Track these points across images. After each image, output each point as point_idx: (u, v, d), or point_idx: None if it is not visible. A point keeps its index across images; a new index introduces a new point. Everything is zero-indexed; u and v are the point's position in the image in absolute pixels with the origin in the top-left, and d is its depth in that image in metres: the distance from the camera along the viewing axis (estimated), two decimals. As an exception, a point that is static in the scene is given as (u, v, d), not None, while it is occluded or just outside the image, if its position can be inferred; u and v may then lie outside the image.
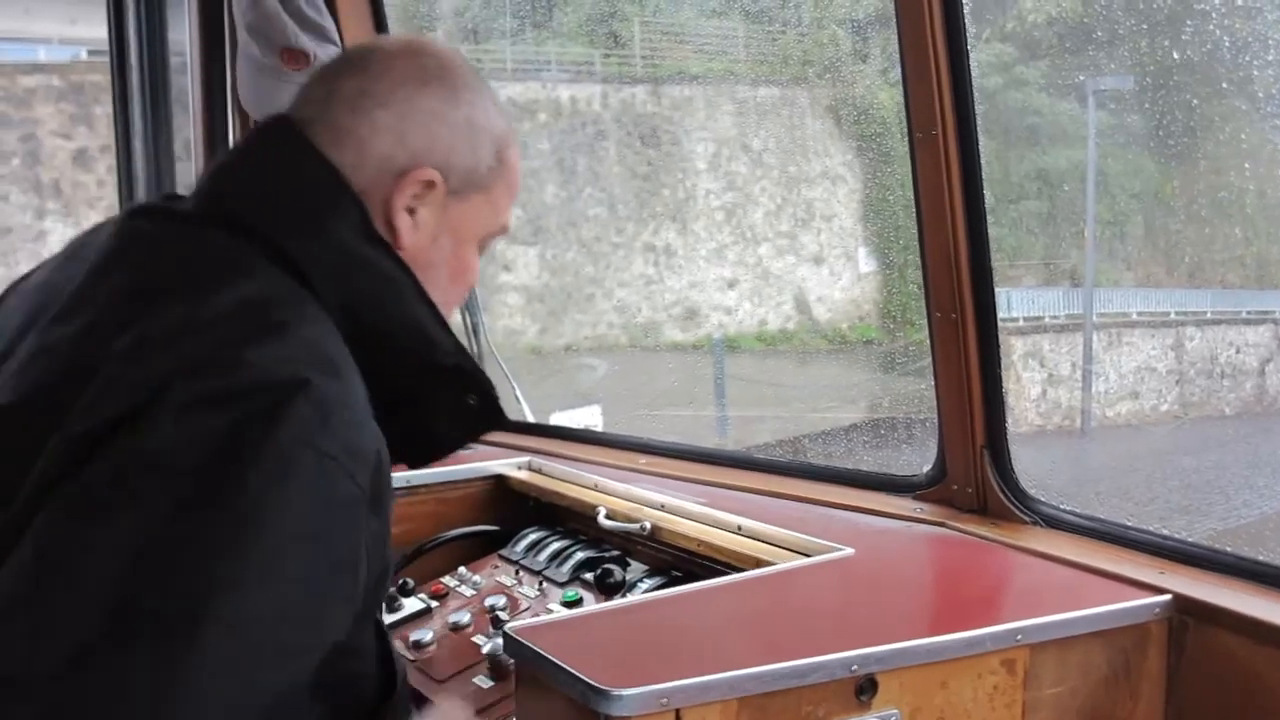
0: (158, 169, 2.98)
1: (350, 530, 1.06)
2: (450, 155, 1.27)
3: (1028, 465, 1.81)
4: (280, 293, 1.14)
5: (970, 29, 1.73)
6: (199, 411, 1.01)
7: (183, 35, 2.90)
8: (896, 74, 1.84)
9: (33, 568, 0.98)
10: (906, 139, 1.79)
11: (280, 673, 1.01)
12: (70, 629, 0.94)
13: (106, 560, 0.96)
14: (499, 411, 1.32)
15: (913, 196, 1.81)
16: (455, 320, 2.86)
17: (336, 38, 2.57)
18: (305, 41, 2.50)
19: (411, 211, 1.26)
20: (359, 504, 1.06)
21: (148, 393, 1.03)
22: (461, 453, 2.48)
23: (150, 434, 1.01)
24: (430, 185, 1.26)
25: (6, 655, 0.94)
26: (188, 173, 2.69)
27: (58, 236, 12.65)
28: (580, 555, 1.99)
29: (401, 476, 2.28)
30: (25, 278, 1.36)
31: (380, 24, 2.72)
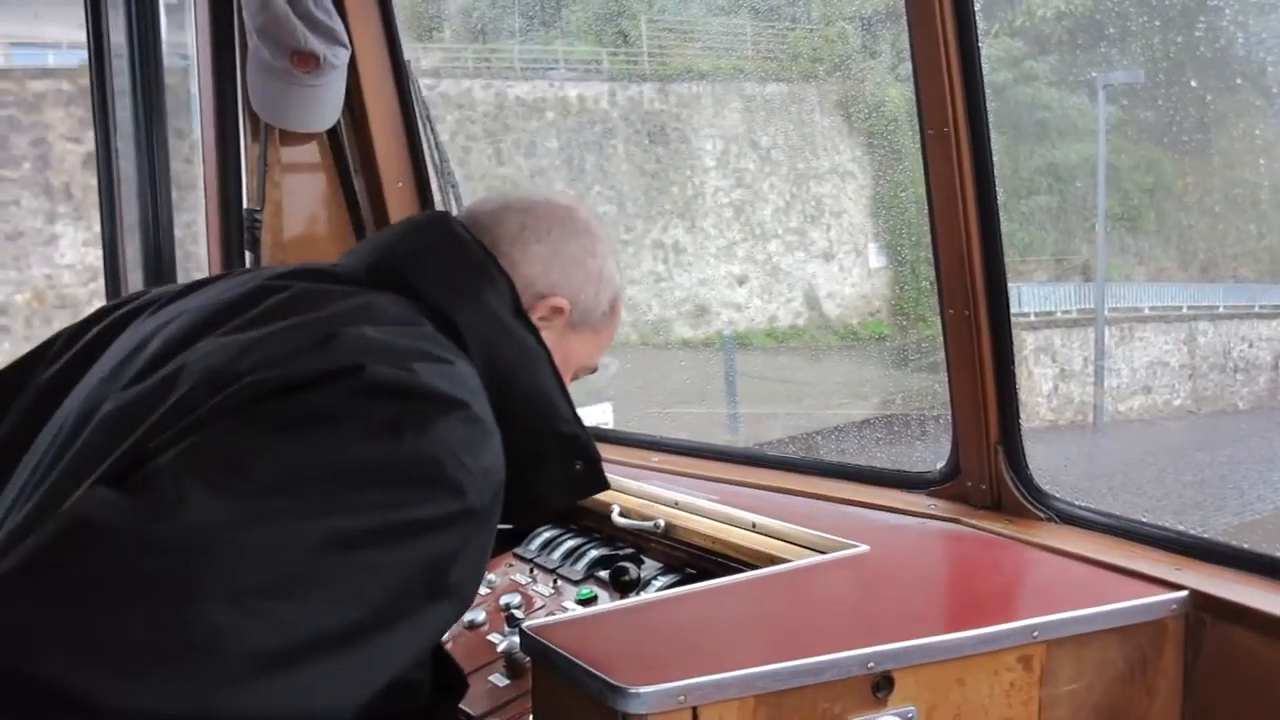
0: (151, 170, 2.98)
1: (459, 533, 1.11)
2: (580, 293, 1.49)
3: (1040, 460, 1.81)
4: (441, 341, 1.28)
5: (980, 24, 1.72)
6: (376, 396, 1.11)
7: (181, 37, 2.92)
8: (906, 69, 1.83)
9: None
10: (917, 136, 1.79)
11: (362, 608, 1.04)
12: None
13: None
14: (603, 478, 1.43)
15: (925, 194, 1.81)
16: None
17: (346, 40, 2.58)
18: (315, 44, 2.51)
19: (539, 330, 1.43)
20: (477, 515, 1.13)
21: (335, 368, 1.12)
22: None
23: (327, 398, 1.10)
24: (559, 311, 1.47)
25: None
26: (194, 175, 2.69)
27: (68, 240, 12.69)
28: (594, 553, 1.99)
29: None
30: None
31: (389, 26, 2.73)
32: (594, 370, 1.61)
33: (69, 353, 1.43)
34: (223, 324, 1.27)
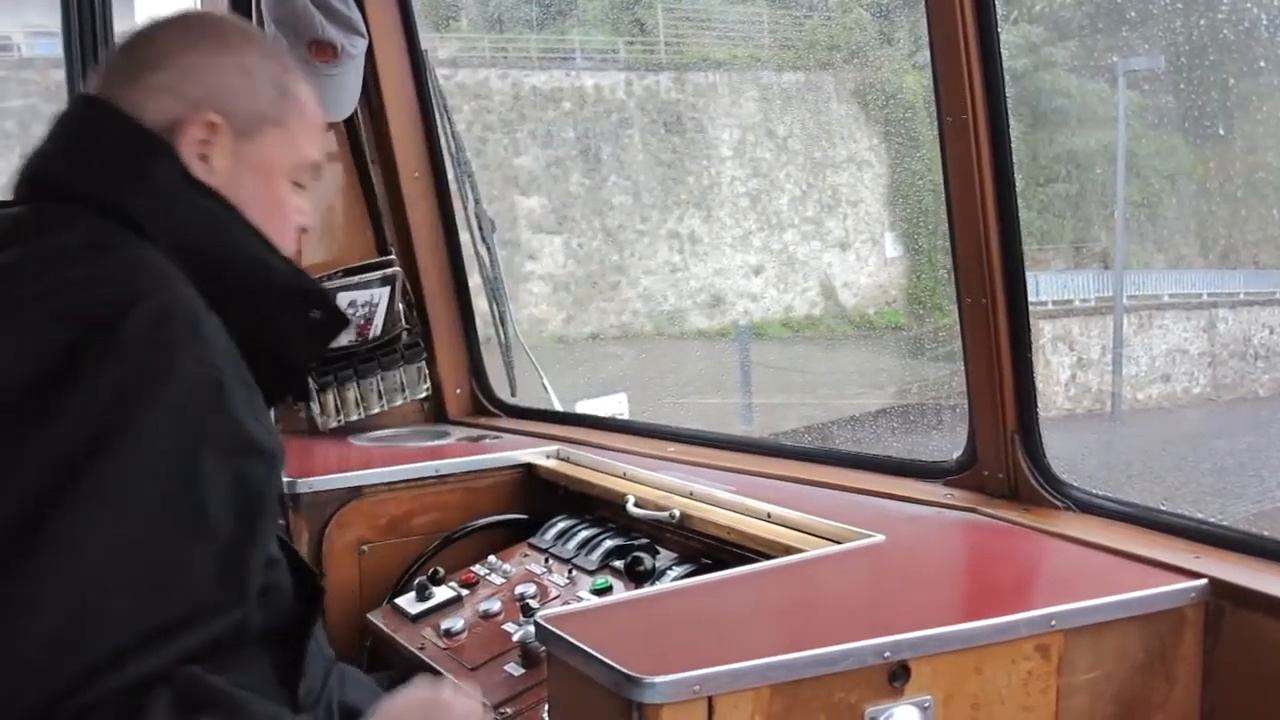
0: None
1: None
2: (227, 96, 1.35)
3: (1057, 449, 1.79)
4: (102, 237, 1.25)
5: (999, 10, 1.71)
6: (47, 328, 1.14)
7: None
8: (923, 57, 1.82)
9: None
10: (935, 124, 1.77)
11: None
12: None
13: None
14: (341, 316, 1.40)
15: (942, 182, 1.79)
16: (471, 307, 2.87)
17: (363, 28, 2.58)
18: (332, 33, 2.51)
19: (205, 158, 1.34)
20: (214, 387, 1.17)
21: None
22: (489, 441, 2.52)
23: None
24: (214, 128, 1.34)
25: None
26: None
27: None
28: (609, 543, 1.99)
29: (431, 465, 2.30)
30: None
31: (406, 15, 2.73)
32: (318, 167, 1.47)
33: None
34: None
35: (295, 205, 1.43)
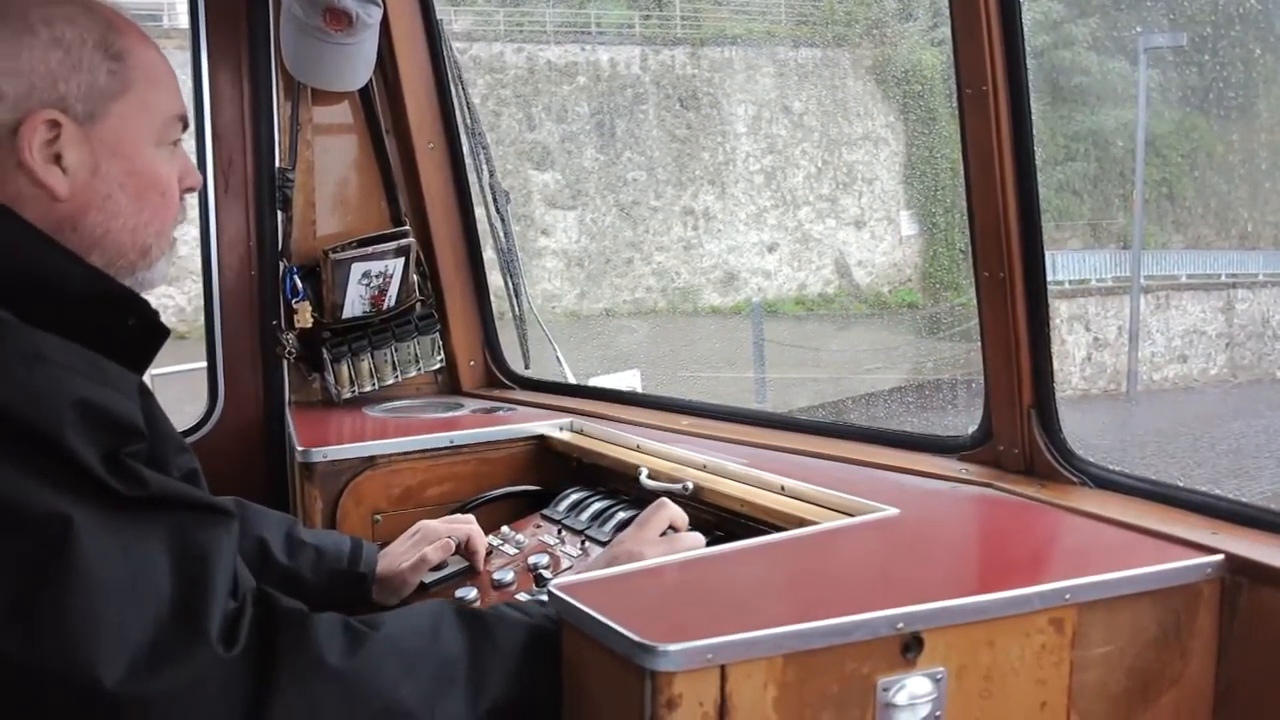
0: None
1: None
2: (55, 85, 1.20)
3: (1072, 430, 1.78)
4: None
5: (1021, -18, 1.68)
6: None
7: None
8: (940, 34, 1.80)
9: None
10: (953, 98, 1.75)
11: None
12: None
13: None
14: (160, 324, 1.27)
15: (961, 155, 1.78)
16: (485, 280, 2.86)
17: (379, -1, 2.57)
18: (348, 2, 2.50)
19: (58, 159, 1.21)
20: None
21: None
22: (502, 413, 2.52)
23: None
24: (56, 126, 1.20)
25: None
26: (238, 135, 2.70)
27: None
28: (622, 515, 1.99)
29: (445, 436, 2.31)
30: None
31: (421, -16, 2.71)
32: (181, 120, 1.32)
33: None
34: None
35: (170, 172, 1.31)
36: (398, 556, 1.86)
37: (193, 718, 1.07)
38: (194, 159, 2.66)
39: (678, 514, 1.66)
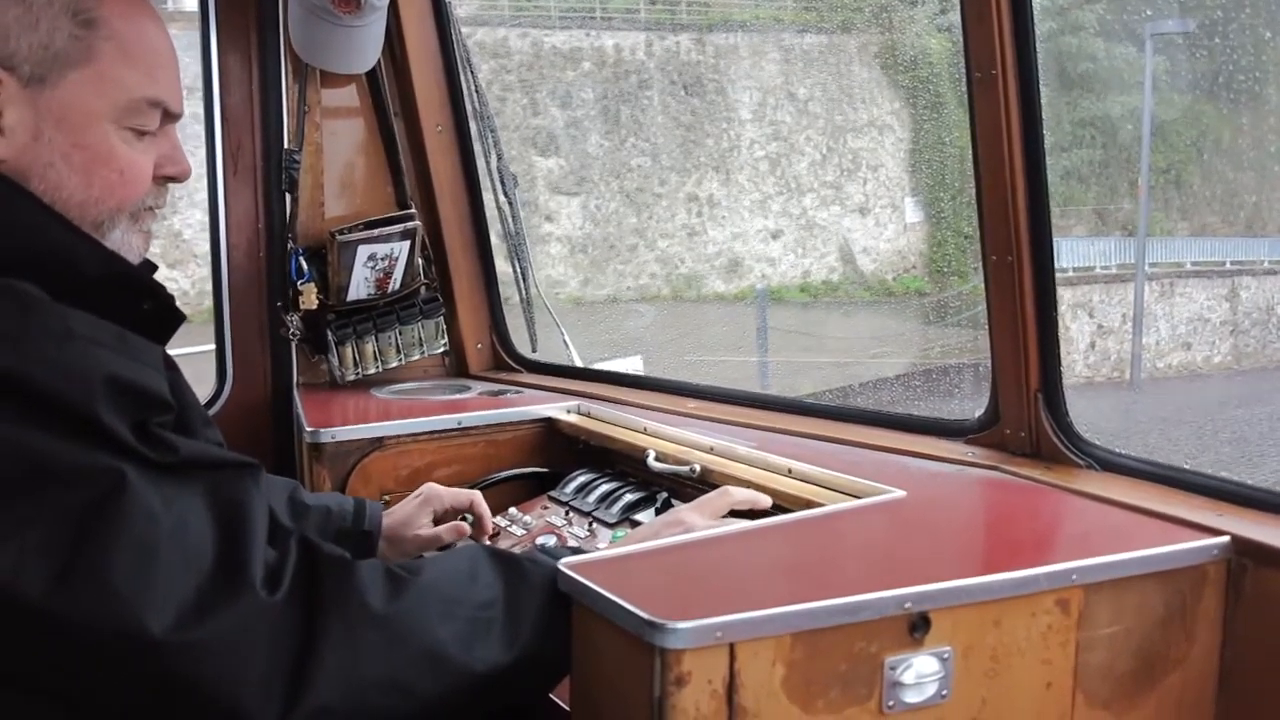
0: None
1: None
2: (9, 40, 1.16)
3: (1077, 415, 1.79)
4: None
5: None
6: None
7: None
8: (947, 20, 1.80)
9: None
10: (957, 89, 1.75)
11: None
12: None
13: None
14: (176, 310, 1.27)
15: (969, 138, 1.78)
16: (493, 263, 2.87)
17: (387, -20, 2.57)
18: (355, -16, 2.49)
19: None
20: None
21: None
22: (510, 396, 2.53)
23: None
24: None
25: None
26: (246, 117, 2.70)
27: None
28: (630, 497, 2.00)
29: (453, 418, 2.32)
30: None
31: (428, -34, 2.71)
32: (155, 103, 1.26)
33: None
34: None
35: (132, 154, 1.25)
36: (402, 515, 1.90)
37: (242, 662, 1.09)
38: (204, 142, 2.67)
39: (746, 497, 1.67)
